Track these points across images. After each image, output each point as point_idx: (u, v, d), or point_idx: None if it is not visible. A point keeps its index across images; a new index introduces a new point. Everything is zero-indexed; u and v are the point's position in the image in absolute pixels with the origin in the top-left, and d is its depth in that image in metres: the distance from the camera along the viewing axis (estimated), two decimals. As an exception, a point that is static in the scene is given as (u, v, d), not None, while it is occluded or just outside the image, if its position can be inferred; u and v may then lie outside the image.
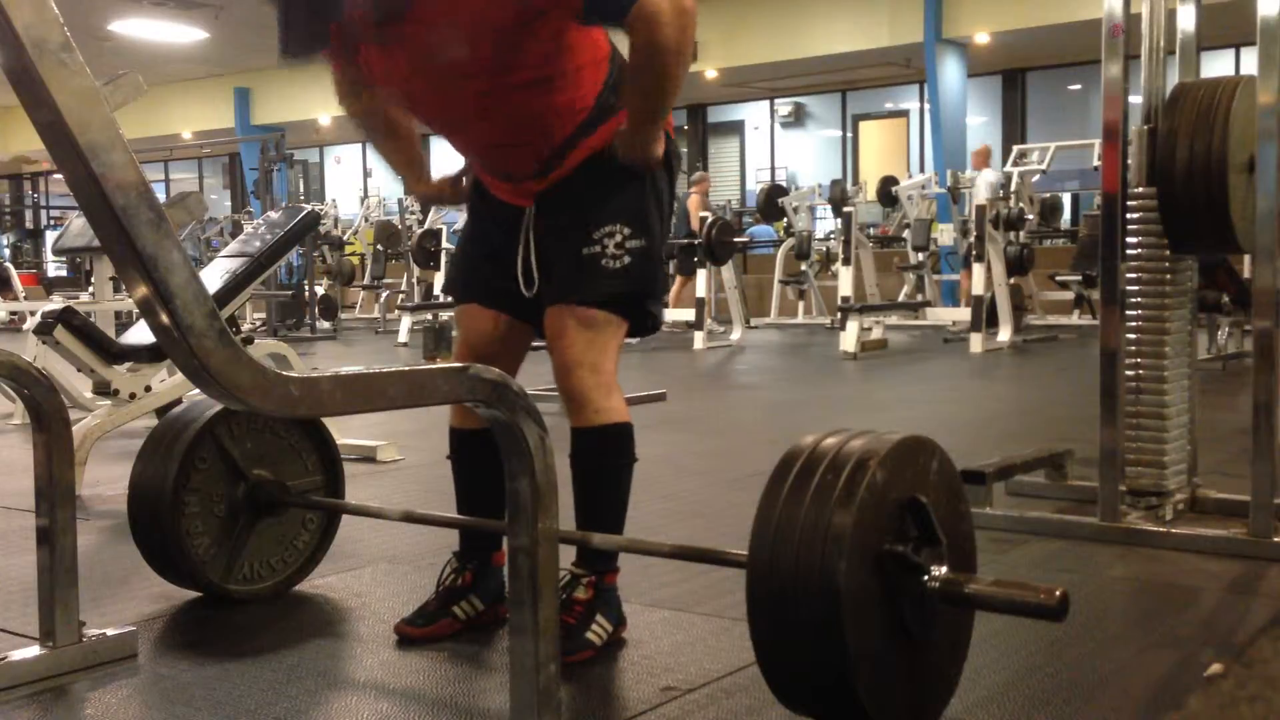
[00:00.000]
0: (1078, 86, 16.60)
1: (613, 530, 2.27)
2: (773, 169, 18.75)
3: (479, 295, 2.42)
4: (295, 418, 2.67)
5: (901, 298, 12.25)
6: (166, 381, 4.40)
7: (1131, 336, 3.21)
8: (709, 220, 10.55)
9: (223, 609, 2.58)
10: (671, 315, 11.24)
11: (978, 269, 9.26)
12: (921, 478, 1.78)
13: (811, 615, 1.63)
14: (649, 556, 2.30)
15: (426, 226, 12.94)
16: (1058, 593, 1.69)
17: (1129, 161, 3.16)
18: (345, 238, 15.02)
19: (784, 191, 14.18)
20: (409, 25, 2.06)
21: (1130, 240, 3.19)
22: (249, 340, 4.51)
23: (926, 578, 1.73)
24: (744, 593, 1.71)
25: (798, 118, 19.09)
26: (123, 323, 7.33)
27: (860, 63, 15.67)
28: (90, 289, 6.78)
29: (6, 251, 16.81)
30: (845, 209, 10.49)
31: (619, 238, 2.23)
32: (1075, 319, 11.48)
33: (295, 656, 2.30)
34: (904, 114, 18.15)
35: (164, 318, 1.32)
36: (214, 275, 4.41)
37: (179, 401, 3.52)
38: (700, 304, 10.23)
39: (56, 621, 2.18)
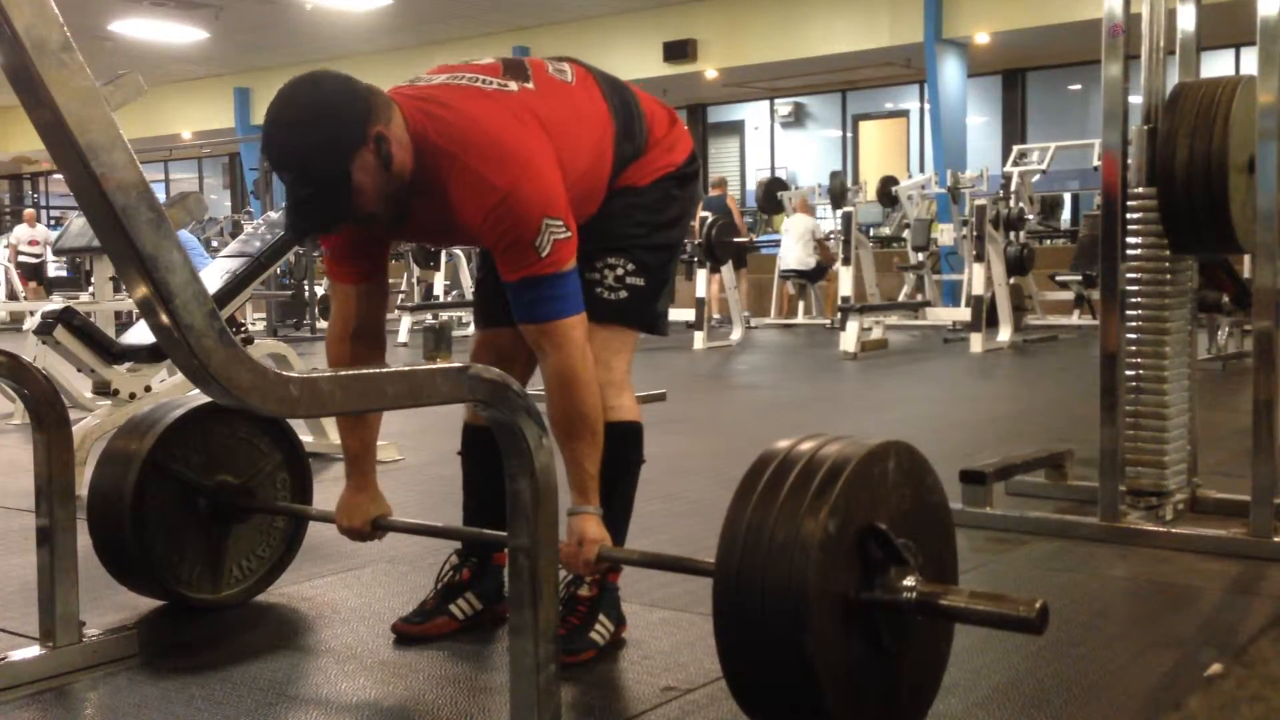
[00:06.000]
0: (1078, 86, 16.61)
1: (618, 528, 2.27)
2: (773, 169, 18.73)
3: (495, 318, 2.40)
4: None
5: (901, 298, 12.25)
6: (166, 381, 4.40)
7: (1131, 336, 3.21)
8: (709, 220, 10.53)
9: (222, 609, 2.58)
10: (671, 315, 11.18)
11: (978, 269, 9.26)
12: (880, 495, 1.69)
13: (779, 630, 1.58)
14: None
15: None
16: (1037, 605, 1.63)
17: (1129, 161, 3.16)
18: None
19: (784, 185, 14.19)
20: (409, 229, 2.22)
21: (1130, 240, 3.19)
22: (249, 340, 4.51)
23: (899, 593, 1.66)
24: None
25: (798, 118, 19.10)
26: (123, 323, 7.34)
27: (860, 63, 15.68)
28: (90, 289, 6.78)
29: (5, 252, 16.77)
30: (845, 209, 10.47)
31: (620, 271, 2.26)
32: (1075, 319, 11.47)
33: (295, 656, 2.30)
34: (904, 114, 18.16)
35: (164, 318, 1.32)
36: (214, 275, 4.41)
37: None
38: (700, 304, 10.22)
39: (56, 621, 2.18)
